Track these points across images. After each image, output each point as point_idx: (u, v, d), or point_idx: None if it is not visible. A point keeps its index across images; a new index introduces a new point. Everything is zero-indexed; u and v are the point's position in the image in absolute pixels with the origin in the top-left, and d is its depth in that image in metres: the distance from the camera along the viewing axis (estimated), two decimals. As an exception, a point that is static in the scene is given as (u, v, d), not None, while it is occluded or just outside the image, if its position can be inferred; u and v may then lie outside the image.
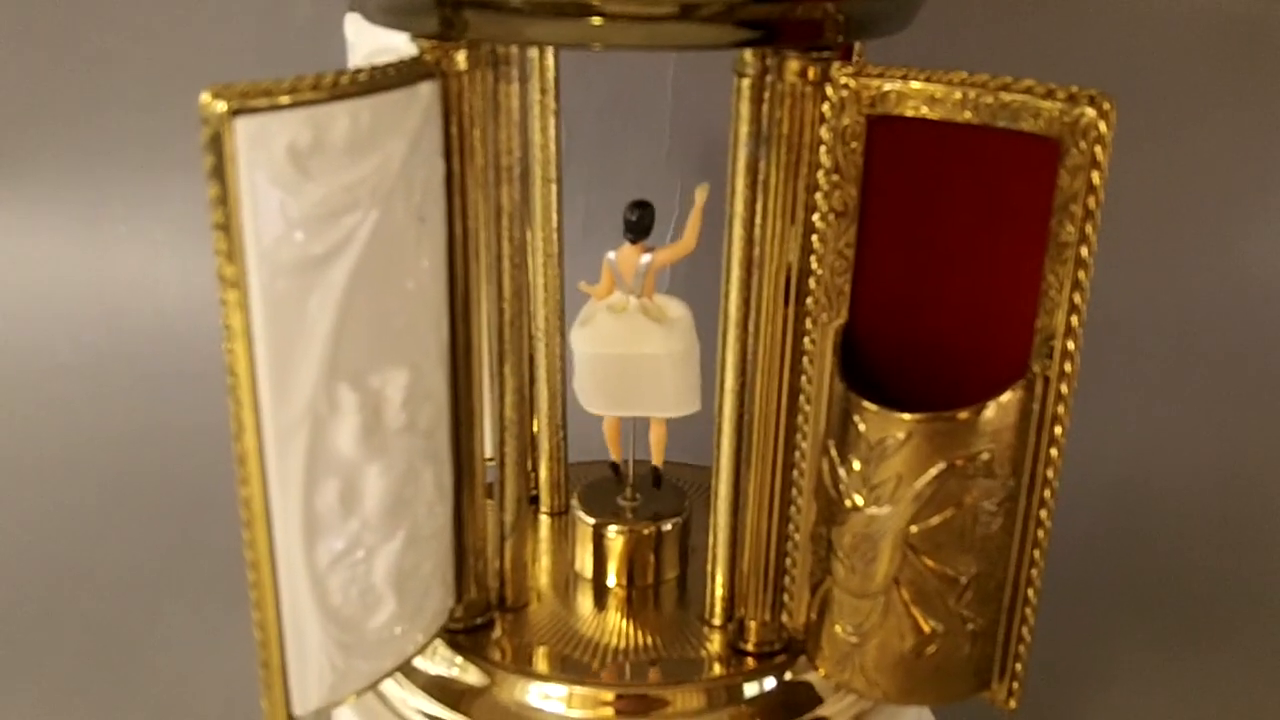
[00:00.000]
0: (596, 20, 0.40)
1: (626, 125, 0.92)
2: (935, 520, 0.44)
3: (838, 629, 0.47)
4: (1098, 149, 0.39)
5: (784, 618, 0.51)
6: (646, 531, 0.57)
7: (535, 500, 0.63)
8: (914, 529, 0.44)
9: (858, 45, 0.51)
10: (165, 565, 0.86)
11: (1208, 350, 0.98)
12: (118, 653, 0.77)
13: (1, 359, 1.02)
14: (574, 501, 0.58)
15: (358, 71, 0.39)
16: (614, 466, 0.60)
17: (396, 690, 0.52)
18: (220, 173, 0.36)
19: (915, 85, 0.42)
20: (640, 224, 0.53)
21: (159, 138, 0.99)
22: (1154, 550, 0.90)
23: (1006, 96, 0.41)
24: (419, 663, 0.51)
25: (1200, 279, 0.98)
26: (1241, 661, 0.79)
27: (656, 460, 0.59)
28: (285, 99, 0.37)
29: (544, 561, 0.59)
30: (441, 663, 0.52)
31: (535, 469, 0.62)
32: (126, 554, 0.87)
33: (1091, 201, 0.40)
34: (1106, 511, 0.93)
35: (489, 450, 0.51)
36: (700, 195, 0.52)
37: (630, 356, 0.54)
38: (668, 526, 0.57)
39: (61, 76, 0.98)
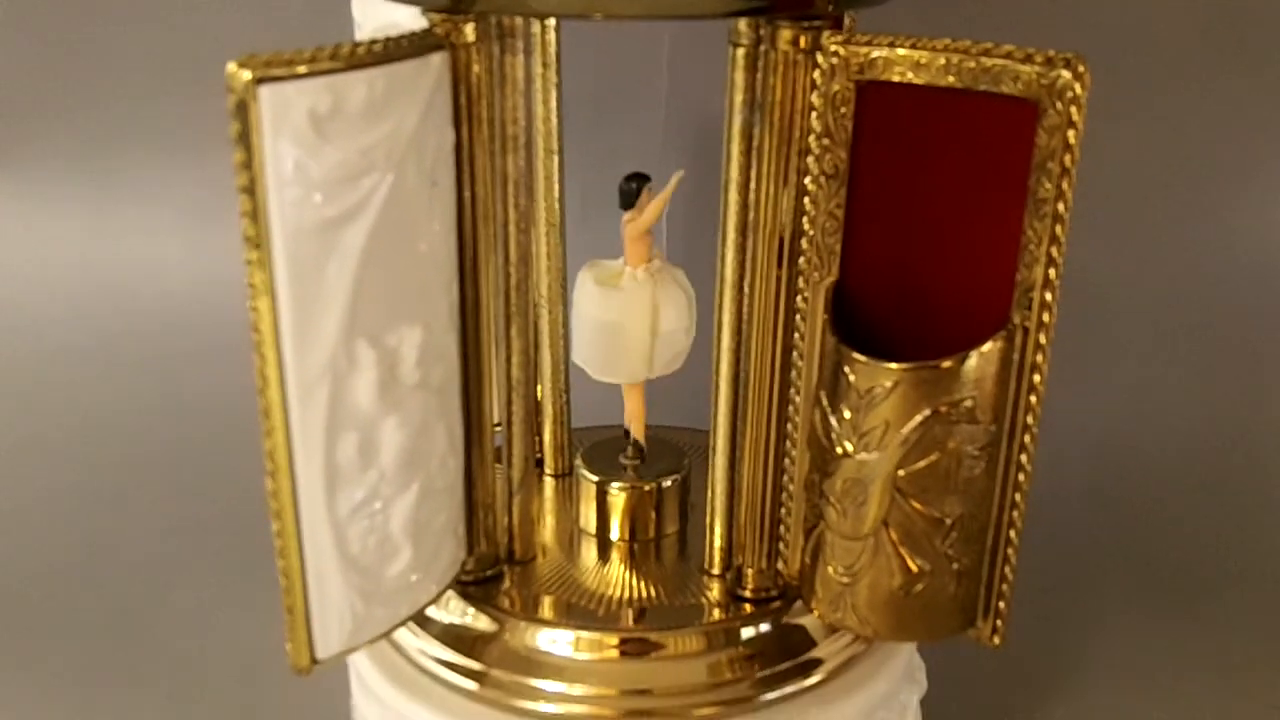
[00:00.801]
0: None
1: (623, 106, 0.94)
2: (921, 464, 0.46)
3: (830, 570, 0.50)
4: (1074, 109, 0.42)
5: (779, 565, 0.54)
6: (648, 488, 0.59)
7: (540, 463, 0.65)
8: (901, 473, 0.47)
9: (848, 15, 0.53)
10: (177, 538, 0.88)
11: (1195, 317, 1.01)
12: (131, 625, 0.79)
13: (12, 338, 1.04)
14: (578, 461, 0.61)
15: (373, 42, 0.41)
16: (626, 432, 0.62)
17: (412, 639, 0.54)
18: (245, 138, 0.38)
19: (901, 52, 0.44)
20: (625, 195, 0.56)
21: (164, 127, 1.02)
22: (1141, 509, 0.93)
23: (987, 61, 0.43)
24: (432, 612, 0.54)
25: (1188, 247, 1.01)
26: (1223, 618, 0.82)
27: (636, 433, 0.61)
28: (304, 68, 0.39)
29: (549, 519, 0.62)
30: (454, 612, 0.54)
31: (539, 433, 0.65)
32: (138, 527, 0.89)
33: (1068, 159, 0.42)
34: (1095, 472, 0.96)
35: (496, 416, 0.54)
36: (672, 181, 0.55)
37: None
38: (668, 483, 0.60)
39: (71, 68, 1.01)
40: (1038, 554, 0.86)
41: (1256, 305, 1.00)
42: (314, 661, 0.46)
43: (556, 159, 0.59)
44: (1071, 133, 0.42)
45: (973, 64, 0.43)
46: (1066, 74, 0.41)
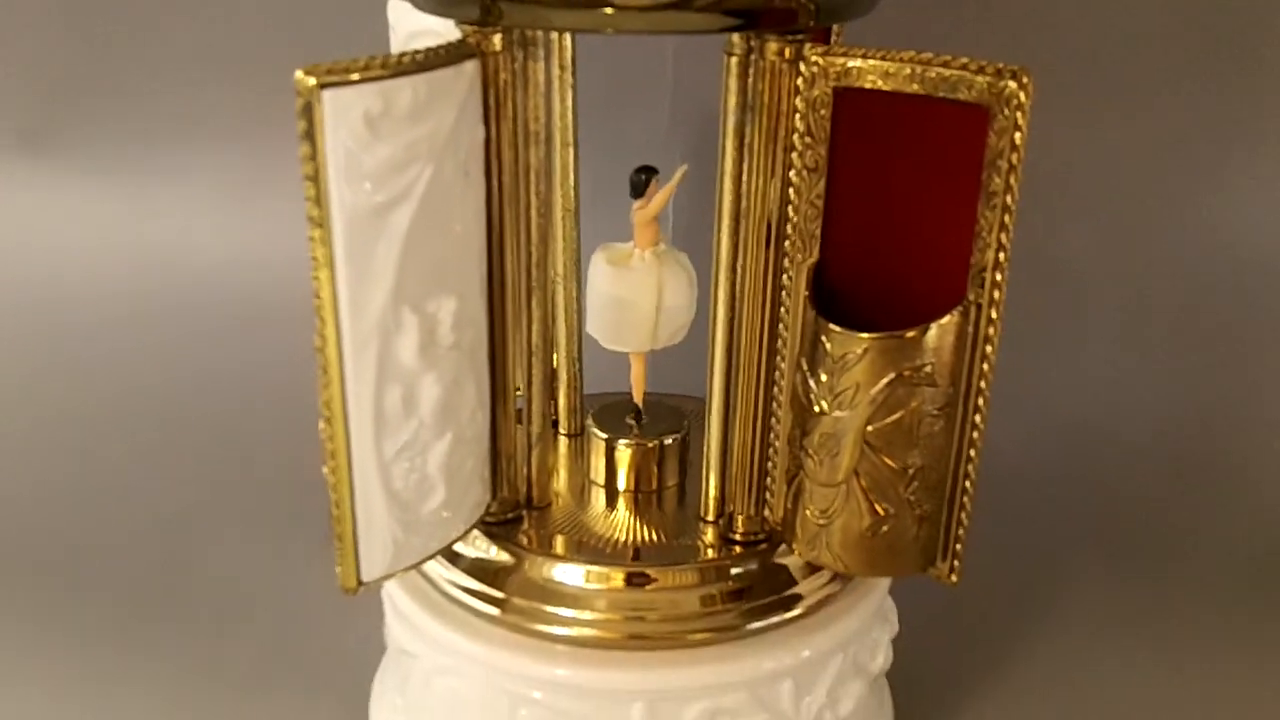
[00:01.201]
0: (609, 10, 0.48)
1: (632, 105, 0.99)
2: (887, 421, 0.53)
3: (808, 514, 0.56)
4: (1019, 114, 0.47)
5: (766, 512, 0.60)
6: (651, 445, 0.65)
7: (555, 424, 0.71)
8: (870, 429, 0.53)
9: (836, 26, 0.58)
10: (214, 489, 0.95)
11: (1166, 304, 1.06)
12: (176, 567, 0.86)
13: (60, 309, 1.10)
14: (589, 421, 0.67)
15: (416, 53, 0.47)
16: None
17: (442, 571, 0.61)
18: (310, 135, 0.44)
19: (872, 62, 0.50)
20: (635, 185, 0.61)
21: (198, 115, 1.08)
22: (1109, 481, 0.99)
23: (946, 72, 0.49)
24: (460, 548, 0.60)
25: (1160, 239, 1.06)
26: (1180, 581, 0.88)
27: (637, 397, 0.67)
28: (358, 75, 0.45)
29: (563, 472, 0.68)
30: (479, 548, 0.61)
31: (555, 398, 0.70)
32: (177, 480, 0.96)
33: (1014, 158, 0.48)
34: (1069, 447, 1.02)
35: (518, 381, 0.60)
36: (677, 174, 0.60)
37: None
38: (669, 441, 0.66)
39: (114, 60, 1.07)
40: (1013, 520, 0.93)
41: (1220, 296, 1.05)
42: (360, 583, 0.53)
43: (572, 151, 0.64)
44: (1017, 135, 0.48)
45: (934, 74, 0.49)
46: (1013, 84, 0.47)
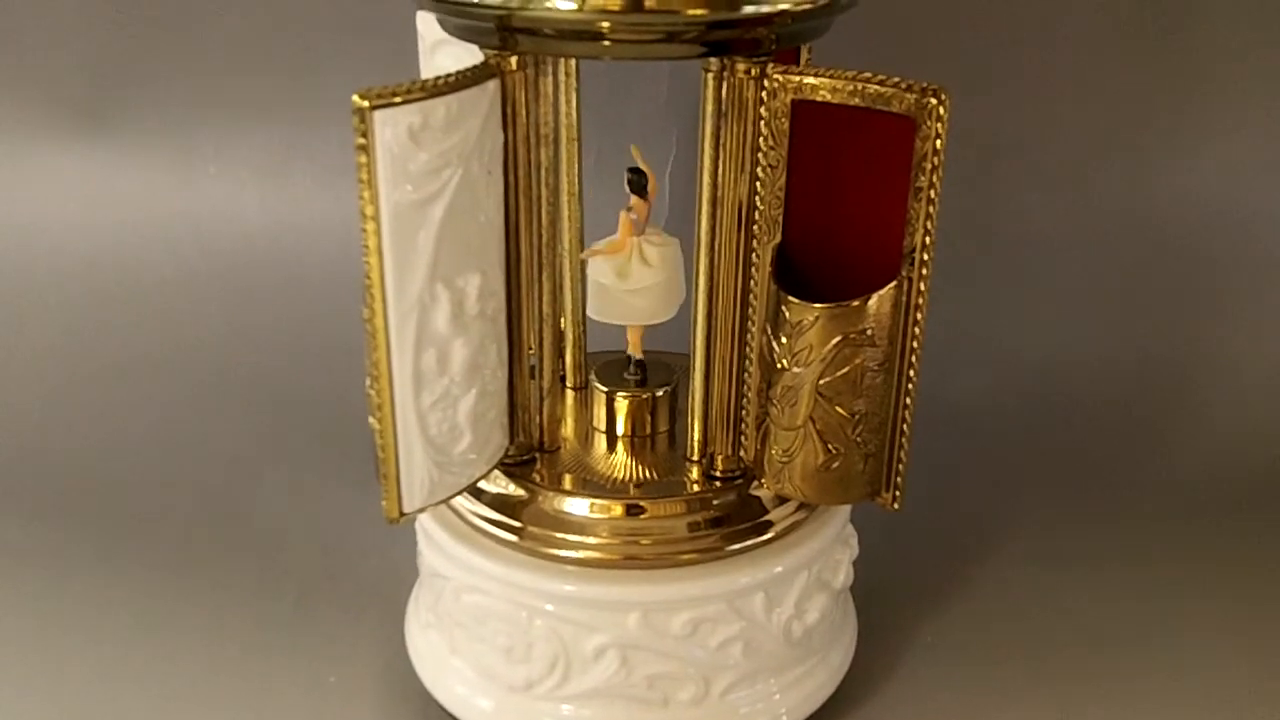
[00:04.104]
0: (606, 42, 0.57)
1: (631, 85, 1.07)
2: (836, 375, 0.61)
3: (774, 453, 0.65)
4: (939, 125, 0.56)
5: (741, 452, 0.69)
6: (645, 396, 0.73)
7: (563, 379, 0.80)
8: (822, 382, 0.61)
9: (805, 47, 0.67)
10: (257, 438, 1.03)
11: (1117, 262, 1.13)
12: (224, 513, 0.94)
13: (114, 275, 1.17)
14: (591, 377, 0.75)
15: (448, 75, 0.56)
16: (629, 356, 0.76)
17: (468, 505, 0.70)
18: (365, 146, 0.54)
19: (822, 80, 0.59)
20: (638, 183, 0.70)
21: (242, 94, 1.15)
22: (1068, 420, 1.07)
23: (881, 89, 0.57)
24: (483, 485, 0.68)
25: (1113, 203, 1.13)
26: (1133, 515, 0.96)
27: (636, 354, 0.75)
28: (401, 98, 0.54)
29: (570, 420, 0.76)
30: (500, 485, 0.69)
31: (562, 356, 0.78)
32: (223, 429, 1.04)
33: (936, 160, 0.57)
34: (1031, 389, 1.10)
35: (531, 342, 0.68)
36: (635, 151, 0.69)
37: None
38: (660, 393, 0.73)
39: (164, 45, 1.13)
40: (976, 454, 1.02)
41: (1169, 254, 1.12)
42: (402, 514, 0.62)
43: (577, 145, 0.72)
44: (938, 141, 0.56)
45: (872, 90, 0.58)
46: (934, 101, 0.56)
